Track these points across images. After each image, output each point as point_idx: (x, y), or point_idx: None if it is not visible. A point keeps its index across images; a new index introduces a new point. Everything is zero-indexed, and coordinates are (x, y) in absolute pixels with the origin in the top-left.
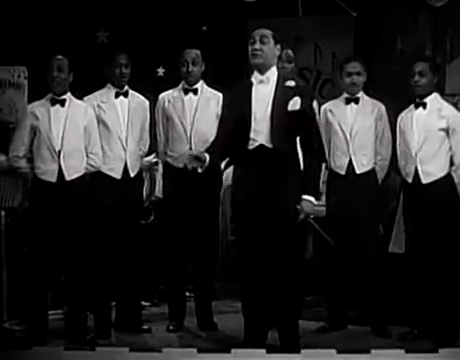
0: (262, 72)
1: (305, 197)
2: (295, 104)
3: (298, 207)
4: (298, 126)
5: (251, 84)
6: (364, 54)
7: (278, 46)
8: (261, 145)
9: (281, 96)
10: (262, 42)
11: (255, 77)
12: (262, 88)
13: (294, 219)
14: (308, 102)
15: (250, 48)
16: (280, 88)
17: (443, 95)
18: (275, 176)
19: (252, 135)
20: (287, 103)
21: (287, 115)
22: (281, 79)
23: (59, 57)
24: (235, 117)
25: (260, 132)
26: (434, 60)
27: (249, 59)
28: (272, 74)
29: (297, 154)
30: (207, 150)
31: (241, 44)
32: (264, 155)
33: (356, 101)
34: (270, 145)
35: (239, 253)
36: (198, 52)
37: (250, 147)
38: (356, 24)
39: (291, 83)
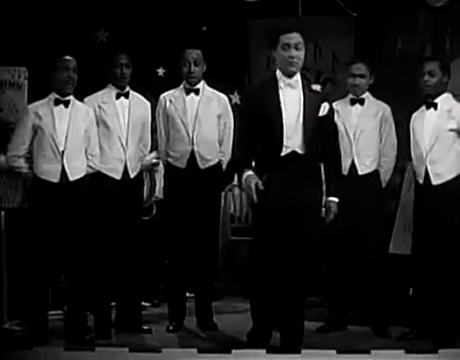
0: (291, 76)
1: (331, 199)
2: (324, 109)
3: (326, 208)
4: (324, 130)
5: (278, 87)
6: (364, 54)
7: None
8: (293, 151)
9: (310, 101)
10: (297, 49)
11: (283, 80)
12: (290, 92)
13: (322, 222)
14: (332, 106)
15: (285, 54)
16: (307, 93)
17: None
18: (305, 181)
19: (284, 142)
20: (318, 108)
21: (318, 120)
22: (306, 82)
23: (70, 58)
24: (264, 122)
25: (292, 138)
26: (443, 59)
27: (283, 65)
28: (298, 78)
29: (319, 156)
30: (232, 161)
31: (241, 44)
32: (296, 161)
33: (361, 102)
34: (302, 151)
35: (258, 256)
36: (199, 52)
37: (282, 153)
38: (356, 24)
39: (317, 87)
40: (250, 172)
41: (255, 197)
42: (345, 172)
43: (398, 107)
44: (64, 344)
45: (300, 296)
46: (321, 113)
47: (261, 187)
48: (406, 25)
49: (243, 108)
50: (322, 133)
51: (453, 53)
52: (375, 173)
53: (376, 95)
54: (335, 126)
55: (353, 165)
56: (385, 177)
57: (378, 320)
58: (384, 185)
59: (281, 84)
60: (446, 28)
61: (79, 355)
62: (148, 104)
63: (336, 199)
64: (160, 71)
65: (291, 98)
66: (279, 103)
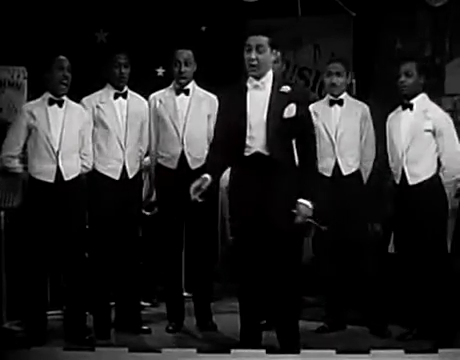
0: (258, 78)
1: (301, 201)
2: (291, 111)
3: (294, 211)
4: (294, 132)
5: (246, 89)
6: (363, 54)
7: (274, 51)
8: (257, 152)
9: (276, 102)
10: (258, 51)
11: (250, 81)
12: (257, 94)
13: (291, 222)
14: (304, 107)
15: (246, 56)
16: (275, 94)
17: (442, 95)
18: (271, 182)
19: (248, 142)
20: (283, 110)
21: (282, 122)
22: (276, 84)
23: (64, 57)
24: (230, 123)
25: (256, 139)
26: (423, 60)
27: (245, 67)
28: (267, 79)
29: (293, 157)
30: (207, 166)
31: (241, 44)
32: (260, 162)
33: (340, 103)
34: (266, 152)
35: (237, 255)
36: (190, 52)
37: (246, 154)
38: (355, 24)
39: (286, 88)
40: (205, 175)
41: (193, 197)
42: (329, 173)
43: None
44: (63, 344)
45: (287, 296)
46: (286, 115)
47: (203, 188)
48: (405, 25)
49: (218, 111)
50: (294, 135)
51: (452, 53)
52: (358, 173)
53: (376, 95)
54: (309, 127)
55: (336, 166)
56: (366, 175)
57: (375, 320)
58: (365, 182)
59: (249, 85)
60: (445, 28)
61: (78, 355)
62: (146, 103)
63: (307, 202)
64: (160, 71)
65: (257, 100)
66: (245, 104)
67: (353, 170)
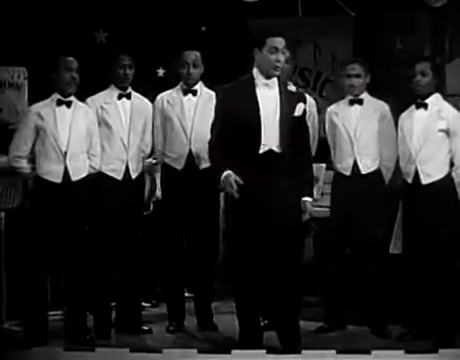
0: (269, 77)
1: (305, 198)
2: (300, 109)
3: (303, 208)
4: (299, 130)
5: (254, 86)
6: (363, 54)
7: None
8: (270, 149)
9: (287, 101)
10: (283, 53)
11: (259, 79)
12: (267, 92)
13: (299, 220)
14: (305, 106)
15: (272, 57)
16: (284, 93)
17: (443, 95)
18: (283, 180)
19: (262, 140)
20: (293, 108)
21: (292, 120)
22: (282, 83)
23: (73, 59)
24: (241, 119)
25: (269, 137)
26: (435, 60)
27: (267, 68)
28: (275, 78)
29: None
30: (213, 165)
31: (241, 44)
32: (273, 159)
33: (360, 102)
34: (279, 150)
35: (238, 253)
36: (198, 54)
37: (260, 151)
38: (355, 24)
39: (293, 88)
40: (229, 171)
41: (236, 194)
42: (348, 172)
43: (397, 107)
44: (64, 344)
45: (289, 295)
46: (297, 113)
47: (241, 182)
48: (405, 25)
49: (218, 108)
50: (296, 132)
51: (452, 53)
52: (377, 172)
53: (375, 95)
54: (307, 127)
55: (355, 165)
56: (388, 175)
57: (375, 320)
58: (387, 183)
59: (258, 83)
60: (445, 28)
61: (79, 355)
62: (150, 105)
63: (310, 199)
64: (160, 71)
65: (268, 98)
66: (257, 102)
67: (372, 169)
